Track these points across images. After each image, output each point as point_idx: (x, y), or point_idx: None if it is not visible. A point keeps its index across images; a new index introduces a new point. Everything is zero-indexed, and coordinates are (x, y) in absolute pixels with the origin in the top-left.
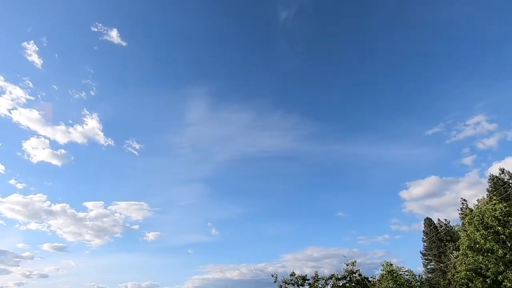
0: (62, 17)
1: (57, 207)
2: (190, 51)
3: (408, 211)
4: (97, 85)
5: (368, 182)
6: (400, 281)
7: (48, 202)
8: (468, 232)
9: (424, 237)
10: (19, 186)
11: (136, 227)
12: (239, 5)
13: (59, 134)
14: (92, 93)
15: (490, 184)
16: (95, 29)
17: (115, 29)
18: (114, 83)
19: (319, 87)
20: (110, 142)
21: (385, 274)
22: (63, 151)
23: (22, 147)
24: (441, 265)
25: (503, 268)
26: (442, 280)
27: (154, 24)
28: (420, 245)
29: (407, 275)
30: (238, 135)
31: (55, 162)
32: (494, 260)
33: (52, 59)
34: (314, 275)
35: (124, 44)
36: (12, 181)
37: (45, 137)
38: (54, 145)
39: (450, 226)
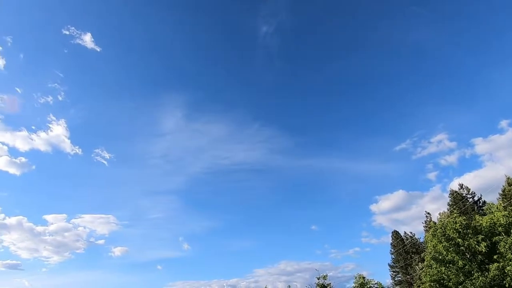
0: (31, 16)
1: (12, 220)
2: (168, 59)
3: (378, 224)
4: (66, 90)
5: (340, 196)
6: None
7: (2, 215)
8: (432, 243)
9: (392, 250)
10: None
11: (101, 242)
12: (221, 17)
13: (20, 140)
14: (60, 98)
15: (450, 198)
16: (67, 32)
17: (89, 34)
18: (85, 89)
19: (294, 101)
20: (77, 151)
21: (357, 287)
22: (23, 159)
23: None
24: (408, 276)
25: (463, 278)
26: None
27: (131, 30)
28: (389, 258)
29: (376, 287)
30: (212, 147)
31: (13, 171)
32: (455, 271)
33: (17, 60)
34: None
35: (98, 49)
36: None
37: (3, 144)
38: (13, 152)
39: (416, 239)
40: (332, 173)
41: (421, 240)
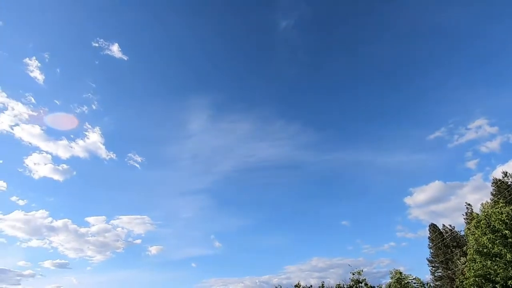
0: (63, 33)
1: (58, 223)
2: (190, 62)
3: (414, 218)
4: (99, 99)
5: (372, 190)
6: None
7: (50, 219)
8: (476, 236)
9: (430, 244)
10: (21, 202)
11: (138, 241)
12: (239, 15)
13: (61, 149)
14: (94, 107)
15: (494, 187)
16: (96, 44)
17: (116, 44)
18: (115, 97)
19: (320, 95)
20: (112, 156)
21: (393, 282)
22: (65, 166)
23: (24, 163)
24: (449, 272)
25: None
26: (450, 287)
27: (154, 37)
28: (427, 252)
29: (415, 283)
30: (238, 145)
31: (57, 177)
32: (503, 265)
33: (54, 74)
34: (320, 286)
35: (125, 58)
36: (13, 198)
37: (47, 153)
38: (56, 160)
39: (456, 232)
40: (362, 166)
41: (462, 233)
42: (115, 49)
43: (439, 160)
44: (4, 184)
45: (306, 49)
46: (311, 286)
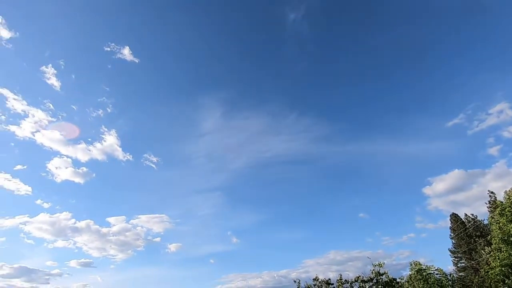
0: (76, 39)
1: (81, 224)
2: (200, 61)
3: (433, 208)
4: (113, 102)
5: (389, 181)
6: (430, 281)
7: (73, 220)
8: (500, 224)
9: (452, 234)
10: (46, 205)
11: (157, 239)
12: (246, 11)
13: (80, 152)
14: (109, 110)
15: None
16: (108, 49)
17: (127, 47)
18: (128, 99)
19: (331, 87)
20: (128, 157)
21: (414, 274)
22: (84, 169)
23: (47, 168)
24: (473, 262)
25: None
26: (475, 278)
27: (163, 38)
28: (448, 243)
29: (437, 274)
30: (252, 142)
31: (77, 180)
32: None
33: (70, 80)
34: (338, 279)
35: (136, 60)
36: (38, 201)
37: (67, 157)
38: (76, 163)
39: (479, 221)
40: (378, 157)
41: (485, 221)
42: (126, 52)
43: (459, 148)
44: (29, 189)
45: (316, 40)
46: (329, 279)
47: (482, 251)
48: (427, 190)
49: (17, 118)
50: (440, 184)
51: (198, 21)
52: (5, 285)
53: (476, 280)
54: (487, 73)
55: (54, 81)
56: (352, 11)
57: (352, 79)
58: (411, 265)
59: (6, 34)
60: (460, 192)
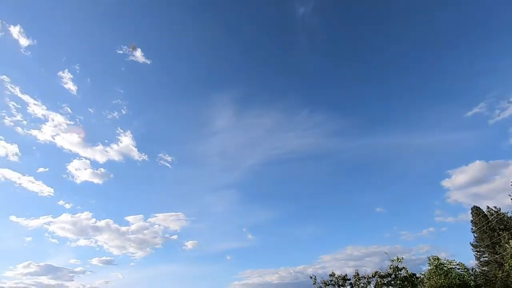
0: (90, 44)
1: (101, 223)
2: (211, 60)
3: (453, 201)
4: (128, 104)
5: (406, 174)
6: (451, 276)
7: (94, 219)
8: None
9: (473, 228)
10: (67, 206)
11: (175, 237)
12: (255, 7)
13: (98, 154)
14: (124, 112)
15: None
16: (121, 51)
17: (139, 49)
18: (142, 100)
19: (343, 81)
20: (144, 157)
21: (433, 269)
22: (102, 169)
23: (67, 170)
24: (497, 256)
25: None
26: (499, 272)
27: (174, 39)
28: (469, 237)
29: (459, 269)
30: (265, 139)
31: (96, 180)
32: None
33: (85, 84)
34: (354, 274)
35: (148, 62)
36: (61, 202)
37: (86, 158)
38: (94, 164)
39: (503, 214)
40: (394, 149)
41: (510, 214)
42: (138, 55)
43: (479, 138)
44: (52, 190)
45: (326, 35)
46: (346, 275)
47: (507, 244)
48: (446, 183)
49: (38, 122)
50: (460, 177)
51: (207, 20)
52: (33, 282)
53: (500, 275)
54: (508, 59)
55: (70, 86)
56: (365, 2)
57: (365, 72)
58: (429, 260)
59: (24, 42)
60: (481, 184)
